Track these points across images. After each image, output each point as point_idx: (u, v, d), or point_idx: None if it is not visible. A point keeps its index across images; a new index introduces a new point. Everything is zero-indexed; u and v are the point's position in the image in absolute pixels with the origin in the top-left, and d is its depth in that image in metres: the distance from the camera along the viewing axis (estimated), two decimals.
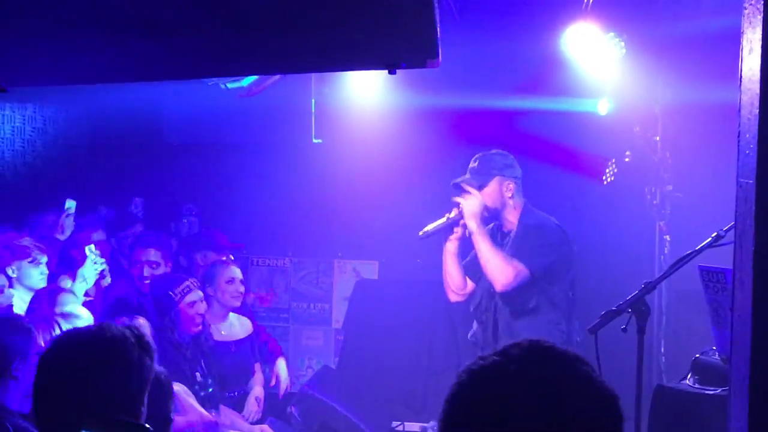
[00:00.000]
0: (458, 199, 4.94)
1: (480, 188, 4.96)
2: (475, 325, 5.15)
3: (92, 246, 5.56)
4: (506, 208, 5.01)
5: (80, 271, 5.41)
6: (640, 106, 6.54)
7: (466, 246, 5.10)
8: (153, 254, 5.74)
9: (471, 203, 4.91)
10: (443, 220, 4.96)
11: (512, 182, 4.99)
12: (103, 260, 5.55)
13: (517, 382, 1.42)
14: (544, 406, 1.39)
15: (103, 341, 2.28)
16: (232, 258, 6.31)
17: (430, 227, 4.95)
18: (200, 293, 5.12)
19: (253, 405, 5.60)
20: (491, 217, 5.05)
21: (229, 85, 6.46)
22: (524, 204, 5.04)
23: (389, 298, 6.95)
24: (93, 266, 5.41)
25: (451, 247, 5.08)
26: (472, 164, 5.05)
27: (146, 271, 5.69)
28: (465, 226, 4.97)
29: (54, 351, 2.33)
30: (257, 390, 5.70)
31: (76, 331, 2.52)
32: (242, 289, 5.66)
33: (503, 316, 4.97)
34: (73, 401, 2.18)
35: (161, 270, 5.74)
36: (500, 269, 4.81)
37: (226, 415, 5.21)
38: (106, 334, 2.30)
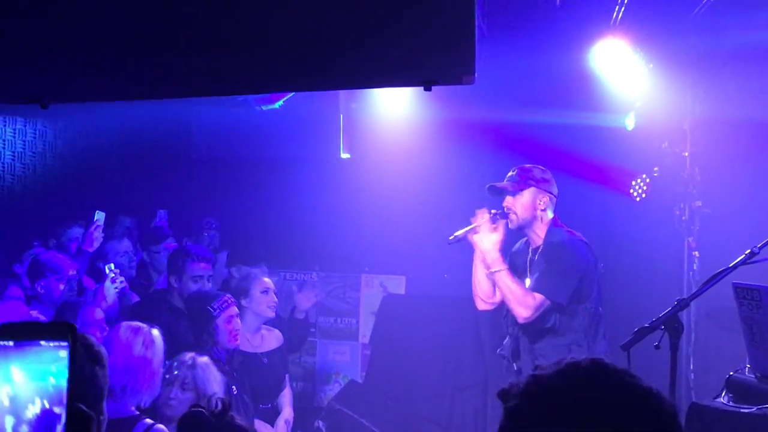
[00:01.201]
0: (471, 237, 4.96)
1: (514, 194, 4.98)
2: (507, 338, 5.14)
3: (111, 264, 5.59)
4: (536, 221, 4.99)
5: (101, 290, 5.45)
6: (669, 122, 6.53)
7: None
8: (203, 268, 5.68)
9: (485, 240, 4.94)
10: (473, 225, 4.99)
11: (547, 196, 4.99)
12: (123, 279, 5.57)
13: (581, 402, 1.42)
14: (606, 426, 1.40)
15: None
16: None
17: (459, 233, 4.98)
18: (236, 309, 5.13)
19: (282, 428, 5.59)
20: (520, 228, 5.05)
21: (264, 107, 6.57)
22: (551, 220, 5.02)
23: (416, 313, 6.94)
24: (112, 285, 5.44)
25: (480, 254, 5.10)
26: (511, 173, 5.07)
27: (203, 286, 5.63)
28: (499, 231, 5.01)
29: None
30: (287, 411, 5.66)
31: None
32: (276, 299, 5.68)
33: (523, 335, 4.98)
34: None
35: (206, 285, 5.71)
36: (522, 303, 4.82)
37: (261, 430, 5.23)
38: None
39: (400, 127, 7.29)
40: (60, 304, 5.43)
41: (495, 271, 4.90)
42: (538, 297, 4.80)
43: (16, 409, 1.43)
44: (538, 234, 5.01)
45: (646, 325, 3.95)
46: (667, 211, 6.58)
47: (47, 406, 1.42)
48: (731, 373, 4.06)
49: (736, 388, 3.97)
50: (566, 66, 6.40)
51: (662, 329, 3.93)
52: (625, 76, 6.39)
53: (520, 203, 4.97)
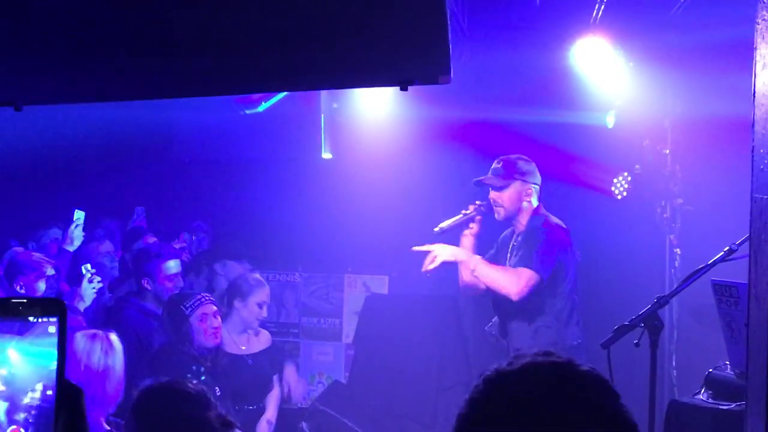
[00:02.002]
0: (430, 250, 5.09)
1: (500, 189, 5.10)
2: (495, 318, 5.28)
3: (88, 265, 5.56)
4: (521, 212, 5.14)
5: (79, 291, 5.42)
6: (650, 120, 6.55)
7: (482, 244, 5.18)
8: (174, 266, 5.64)
9: (444, 253, 5.06)
10: (459, 216, 5.13)
11: (531, 188, 5.11)
12: (99, 278, 5.54)
13: (527, 399, 1.42)
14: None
15: None
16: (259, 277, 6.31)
17: (445, 224, 5.09)
18: (213, 307, 5.11)
19: (264, 428, 5.60)
20: (507, 220, 5.18)
21: (247, 111, 6.61)
22: (535, 208, 5.14)
23: (400, 312, 6.93)
24: (90, 285, 5.41)
25: (466, 242, 5.22)
26: (495, 165, 5.18)
27: (177, 284, 5.58)
28: (480, 223, 5.17)
29: None
30: (270, 412, 5.67)
31: None
32: (266, 314, 5.72)
33: (504, 315, 5.15)
34: None
35: (180, 284, 5.68)
36: (509, 282, 4.92)
37: None
38: None
39: (382, 126, 7.28)
40: None
41: (476, 264, 5.02)
42: (526, 271, 4.90)
43: (11, 393, 1.39)
44: (521, 222, 5.15)
45: (626, 323, 3.97)
46: (648, 209, 6.60)
47: (48, 393, 1.38)
48: (710, 370, 4.08)
49: (716, 384, 3.98)
50: (547, 64, 6.41)
51: (642, 327, 3.95)
52: (605, 74, 6.41)
53: (507, 196, 5.11)
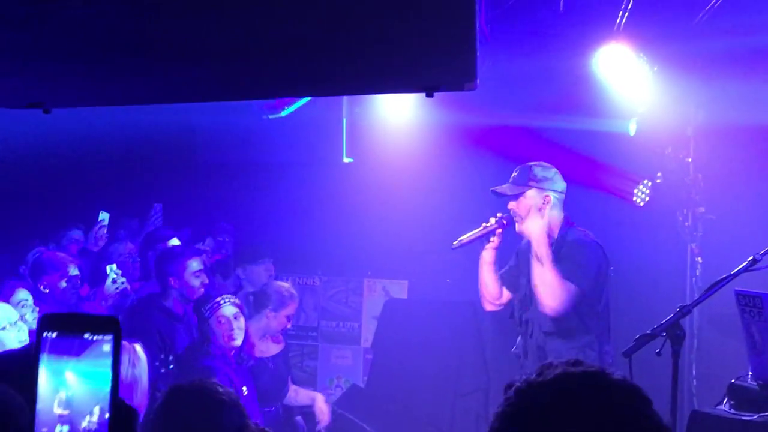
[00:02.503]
0: (519, 227, 4.88)
1: (516, 198, 4.91)
2: (519, 338, 5.08)
3: (113, 266, 5.57)
4: (543, 221, 4.90)
5: (102, 290, 5.45)
6: (672, 128, 6.52)
7: (503, 256, 5.11)
8: (197, 265, 5.59)
9: (531, 225, 4.85)
10: (479, 229, 4.93)
11: (549, 195, 4.90)
12: (124, 279, 5.55)
13: (561, 410, 1.41)
14: None
15: None
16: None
17: (464, 237, 4.91)
18: (233, 309, 5.09)
19: (322, 409, 5.82)
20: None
21: (270, 116, 6.67)
22: (563, 219, 4.97)
23: (419, 317, 6.94)
24: (113, 285, 5.44)
25: (487, 256, 5.02)
26: (513, 174, 5.00)
27: (202, 281, 5.52)
28: (501, 236, 4.96)
29: None
30: (320, 397, 5.92)
31: None
32: (290, 325, 5.90)
33: (536, 334, 4.90)
34: None
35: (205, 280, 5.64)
36: (553, 294, 4.73)
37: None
38: None
39: (403, 131, 7.29)
40: (67, 306, 5.42)
41: (545, 258, 4.76)
42: (570, 286, 4.72)
43: (71, 417, 1.37)
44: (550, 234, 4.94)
45: (648, 332, 3.95)
46: (670, 217, 6.57)
47: (106, 416, 1.37)
48: (733, 381, 4.05)
49: (738, 395, 3.96)
50: (569, 71, 6.40)
51: (664, 336, 3.92)
52: (628, 81, 6.38)
53: (524, 205, 4.90)
